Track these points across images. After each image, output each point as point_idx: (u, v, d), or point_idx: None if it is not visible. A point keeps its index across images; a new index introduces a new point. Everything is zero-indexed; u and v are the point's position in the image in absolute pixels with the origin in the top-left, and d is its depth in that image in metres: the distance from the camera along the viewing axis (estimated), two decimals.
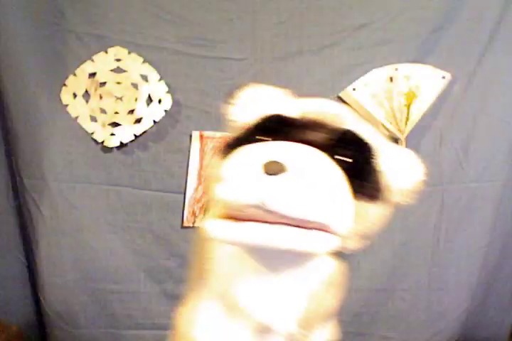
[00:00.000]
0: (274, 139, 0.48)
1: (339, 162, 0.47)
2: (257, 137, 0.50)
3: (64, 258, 1.23)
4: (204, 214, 0.46)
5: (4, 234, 1.26)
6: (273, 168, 0.41)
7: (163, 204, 1.23)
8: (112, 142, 1.20)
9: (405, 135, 1.23)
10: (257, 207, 0.41)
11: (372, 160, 0.51)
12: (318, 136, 0.49)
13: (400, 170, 0.53)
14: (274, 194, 0.41)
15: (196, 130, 1.22)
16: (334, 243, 0.46)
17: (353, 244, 0.51)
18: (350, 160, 0.48)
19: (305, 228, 0.43)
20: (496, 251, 1.29)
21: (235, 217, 0.43)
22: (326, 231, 0.45)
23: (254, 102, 0.58)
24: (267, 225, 0.42)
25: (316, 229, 0.44)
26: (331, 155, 0.47)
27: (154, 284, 1.25)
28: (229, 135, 0.55)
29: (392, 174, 0.52)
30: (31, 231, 1.23)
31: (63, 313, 1.24)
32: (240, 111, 0.57)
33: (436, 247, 1.27)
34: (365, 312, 1.29)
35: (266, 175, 0.41)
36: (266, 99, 0.58)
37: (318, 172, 0.44)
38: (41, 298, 1.24)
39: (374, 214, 0.51)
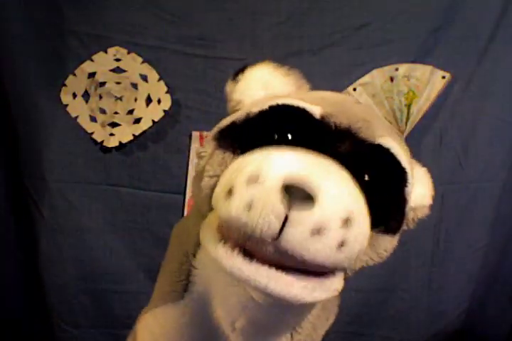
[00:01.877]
0: (293, 142, 0.40)
1: (364, 184, 0.39)
2: (275, 136, 0.41)
3: (64, 258, 1.23)
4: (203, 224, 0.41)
5: (4, 234, 1.26)
6: (298, 196, 0.34)
7: (162, 204, 1.23)
8: (112, 142, 1.20)
9: (405, 135, 1.23)
10: (272, 242, 0.34)
11: (404, 187, 0.42)
12: (342, 146, 0.40)
13: (416, 194, 0.46)
14: (297, 231, 0.34)
15: (196, 130, 1.21)
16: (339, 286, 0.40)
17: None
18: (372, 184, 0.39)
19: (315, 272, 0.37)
20: (496, 251, 1.29)
21: (246, 247, 0.37)
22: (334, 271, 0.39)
23: (265, 85, 0.49)
24: (284, 275, 0.36)
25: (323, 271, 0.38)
26: (355, 173, 0.39)
27: (154, 284, 1.24)
28: (230, 119, 0.45)
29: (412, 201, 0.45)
30: (31, 231, 1.23)
31: (63, 313, 1.24)
32: (245, 92, 0.48)
33: (436, 247, 1.27)
34: (365, 312, 1.29)
35: (287, 202, 0.34)
36: (279, 83, 0.50)
37: (348, 203, 0.36)
38: (41, 298, 1.24)
39: (385, 245, 0.44)
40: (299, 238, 0.34)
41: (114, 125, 1.20)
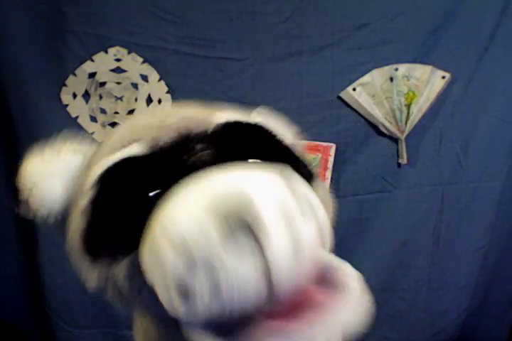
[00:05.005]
0: (163, 189, 0.34)
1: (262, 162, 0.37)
2: (137, 200, 0.35)
3: (64, 258, 1.21)
4: None
5: (4, 233, 1.26)
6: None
7: None
8: None
9: (405, 135, 1.23)
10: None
11: (275, 137, 0.42)
12: (201, 154, 0.36)
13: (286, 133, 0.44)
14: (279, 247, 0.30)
15: None
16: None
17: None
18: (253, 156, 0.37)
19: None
20: (496, 251, 1.29)
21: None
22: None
23: (59, 171, 0.43)
24: None
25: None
26: (242, 160, 0.35)
27: None
28: (74, 229, 0.39)
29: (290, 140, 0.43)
30: (31, 231, 1.23)
31: (63, 313, 1.24)
32: (45, 197, 0.42)
33: (436, 247, 1.27)
34: None
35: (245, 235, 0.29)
36: (64, 161, 0.44)
37: (286, 194, 0.31)
38: (41, 298, 1.24)
39: (324, 193, 0.42)
40: (284, 254, 0.30)
41: (114, 125, 1.20)
